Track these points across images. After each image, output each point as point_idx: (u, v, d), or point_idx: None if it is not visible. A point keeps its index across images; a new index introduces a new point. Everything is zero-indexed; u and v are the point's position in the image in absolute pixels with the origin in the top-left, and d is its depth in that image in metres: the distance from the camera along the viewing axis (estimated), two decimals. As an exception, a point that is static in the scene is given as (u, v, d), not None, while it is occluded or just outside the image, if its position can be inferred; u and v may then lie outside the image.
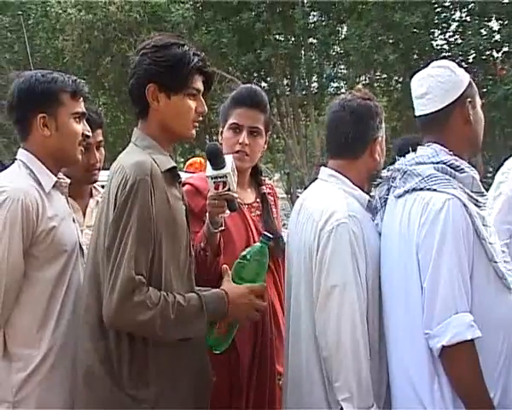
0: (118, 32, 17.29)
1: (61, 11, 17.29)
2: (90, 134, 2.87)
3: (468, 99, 2.58)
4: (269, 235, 2.71)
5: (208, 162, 2.72)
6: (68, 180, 2.80)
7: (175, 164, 2.50)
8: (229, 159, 2.72)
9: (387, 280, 2.57)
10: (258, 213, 3.14)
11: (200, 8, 17.61)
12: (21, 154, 2.69)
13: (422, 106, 2.60)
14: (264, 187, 3.22)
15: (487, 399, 2.34)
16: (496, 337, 2.40)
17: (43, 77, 2.68)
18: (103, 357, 2.34)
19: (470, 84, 2.61)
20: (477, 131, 2.63)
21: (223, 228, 2.79)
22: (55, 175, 2.70)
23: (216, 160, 2.68)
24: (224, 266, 2.63)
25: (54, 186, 2.66)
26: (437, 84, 2.57)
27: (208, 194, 2.72)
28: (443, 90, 2.57)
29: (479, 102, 2.63)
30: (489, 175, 20.62)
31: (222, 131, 3.14)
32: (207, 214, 2.76)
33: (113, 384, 2.32)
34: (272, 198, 3.26)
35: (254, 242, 2.80)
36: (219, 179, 2.68)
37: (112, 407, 2.32)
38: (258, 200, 3.17)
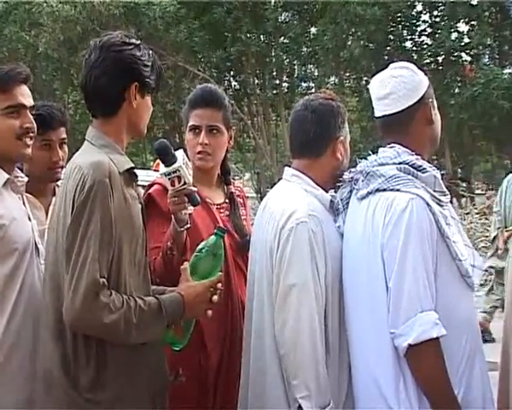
0: (96, 25, 17.14)
1: (44, 3, 17.05)
2: (32, 125, 2.74)
3: (430, 99, 2.60)
4: (223, 228, 2.70)
5: (160, 161, 2.71)
6: (26, 178, 2.72)
7: (133, 164, 2.48)
8: (179, 153, 2.72)
9: (350, 282, 2.58)
10: (227, 213, 3.13)
11: (178, 5, 17.51)
12: None
13: (385, 106, 2.60)
14: (231, 187, 3.22)
15: (453, 397, 2.35)
16: (459, 336, 2.41)
17: None
18: (61, 359, 2.31)
19: (429, 84, 2.64)
20: (437, 131, 2.67)
21: (188, 226, 2.79)
22: (10, 172, 2.61)
23: (166, 156, 2.68)
24: (184, 265, 2.61)
25: (5, 184, 2.54)
26: (400, 84, 2.58)
27: (168, 192, 2.71)
28: (406, 91, 2.58)
29: (435, 102, 2.66)
30: (458, 175, 20.87)
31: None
32: (172, 214, 2.75)
33: (69, 387, 2.29)
34: (241, 199, 3.26)
35: (223, 242, 2.80)
36: (173, 175, 2.67)
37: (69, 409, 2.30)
38: (226, 201, 3.17)
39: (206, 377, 2.88)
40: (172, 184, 2.64)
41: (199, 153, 2.95)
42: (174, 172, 2.65)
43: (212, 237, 2.60)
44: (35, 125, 2.66)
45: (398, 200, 2.39)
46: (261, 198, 19.99)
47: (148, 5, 16.59)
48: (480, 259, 2.59)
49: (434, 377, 2.35)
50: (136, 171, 2.45)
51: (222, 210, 3.06)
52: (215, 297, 2.49)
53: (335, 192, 2.72)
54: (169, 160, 2.65)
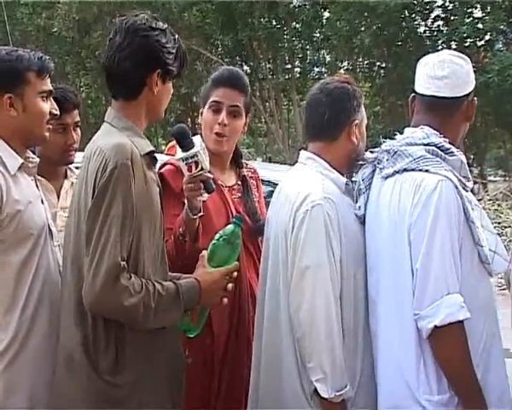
0: (111, 7, 17.05)
1: None
2: (58, 112, 2.78)
3: (474, 98, 2.61)
4: (241, 216, 2.70)
5: (177, 146, 2.70)
6: (37, 159, 2.74)
7: (153, 147, 2.48)
8: (197, 139, 2.71)
9: (375, 261, 2.57)
10: (239, 195, 3.12)
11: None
12: None
13: (438, 87, 2.57)
14: (244, 170, 3.21)
15: (475, 380, 2.36)
16: (478, 320, 2.41)
17: (8, 55, 2.57)
18: (82, 342, 2.33)
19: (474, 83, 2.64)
20: (466, 130, 2.67)
21: (202, 214, 2.78)
22: (23, 156, 2.61)
23: (184, 141, 2.67)
24: (203, 252, 2.61)
25: (20, 168, 2.57)
26: (458, 72, 2.58)
27: (184, 179, 2.70)
28: (462, 81, 2.58)
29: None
30: (470, 162, 20.78)
31: (202, 112, 3.12)
32: (186, 200, 2.74)
33: (90, 369, 2.31)
34: (254, 182, 3.25)
35: (241, 230, 2.79)
36: (190, 160, 2.66)
37: (89, 393, 2.31)
38: (238, 182, 3.16)
39: (212, 361, 2.90)
40: (189, 170, 2.62)
41: (216, 134, 2.94)
42: (192, 157, 2.64)
43: (230, 225, 2.61)
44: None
45: (426, 180, 2.39)
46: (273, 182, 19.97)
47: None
48: (501, 246, 2.58)
49: (458, 360, 2.35)
50: (156, 154, 2.46)
51: (234, 192, 3.05)
52: (230, 285, 2.50)
53: (353, 175, 2.72)
54: (187, 144, 2.64)
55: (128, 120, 2.44)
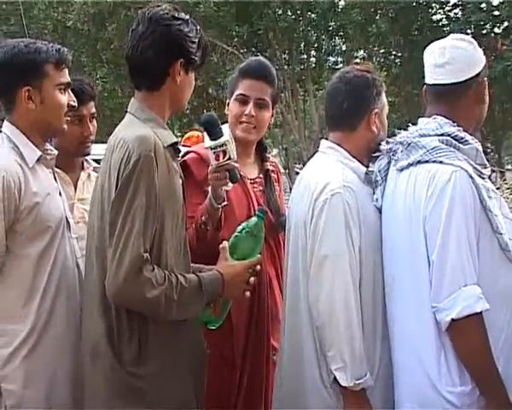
0: (127, -1, 17.07)
1: None
2: (76, 104, 2.78)
3: (485, 78, 2.57)
4: (264, 209, 2.70)
5: (206, 133, 2.70)
6: (55, 151, 2.74)
7: (176, 139, 2.48)
8: (225, 128, 2.70)
9: (390, 255, 2.56)
10: (261, 188, 3.12)
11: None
12: (6, 126, 2.60)
13: (440, 75, 2.56)
14: (267, 163, 3.20)
15: (496, 372, 2.33)
16: (499, 308, 2.39)
17: (26, 47, 2.57)
18: (107, 332, 2.34)
19: (486, 64, 2.60)
20: (484, 111, 2.64)
21: (226, 203, 2.78)
22: (41, 148, 2.62)
23: (213, 129, 2.66)
24: (223, 243, 2.61)
25: (38, 160, 2.57)
26: (460, 56, 2.54)
27: (209, 168, 2.70)
28: (465, 64, 2.54)
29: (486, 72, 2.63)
30: (488, 151, 20.65)
31: (228, 103, 3.11)
32: (210, 189, 2.74)
33: (114, 360, 2.32)
34: (275, 175, 3.25)
35: (264, 224, 2.78)
36: (219, 149, 2.65)
37: (113, 383, 2.32)
38: (261, 175, 3.16)
39: (232, 353, 2.90)
40: (217, 158, 2.62)
41: (242, 123, 2.94)
42: (221, 145, 2.63)
43: (254, 218, 2.61)
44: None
45: (440, 172, 2.37)
46: (289, 174, 19.98)
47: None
48: None
49: (477, 353, 2.33)
50: (182, 146, 2.45)
51: (256, 185, 3.05)
52: (252, 279, 2.50)
53: (370, 166, 2.71)
54: (216, 133, 2.64)
55: (151, 110, 2.44)
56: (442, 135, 2.47)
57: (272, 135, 23.99)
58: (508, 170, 20.68)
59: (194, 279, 2.36)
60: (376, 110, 2.70)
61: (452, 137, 2.46)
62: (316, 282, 2.51)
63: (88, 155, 3.20)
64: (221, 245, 2.59)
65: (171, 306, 2.28)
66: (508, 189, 13.81)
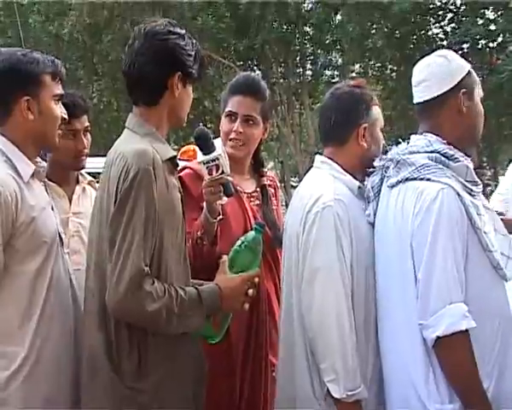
0: (122, 9, 17.09)
1: None
2: (66, 117, 2.77)
3: (463, 90, 2.57)
4: (262, 223, 2.71)
5: (198, 148, 2.70)
6: (44, 163, 2.72)
7: (175, 153, 2.48)
8: (218, 142, 2.71)
9: (382, 271, 2.58)
10: (258, 202, 3.13)
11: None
12: None
13: (419, 93, 2.61)
14: (264, 178, 3.21)
15: (482, 391, 2.34)
16: (491, 326, 2.40)
17: (24, 57, 2.53)
18: (106, 346, 2.33)
19: (469, 74, 2.60)
20: (472, 124, 2.62)
21: (221, 217, 2.78)
22: (33, 161, 2.57)
23: (206, 144, 2.67)
24: (223, 258, 2.62)
25: (33, 175, 2.52)
26: (433, 72, 2.58)
27: (203, 182, 2.70)
28: (438, 79, 2.57)
29: (479, 94, 2.62)
30: (483, 164, 20.70)
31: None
32: (205, 203, 2.74)
33: (114, 375, 2.31)
34: (273, 190, 3.26)
35: (252, 230, 2.80)
36: (212, 163, 2.66)
37: (113, 398, 2.31)
38: (258, 190, 3.16)
39: (233, 368, 2.90)
40: (210, 173, 2.63)
41: (231, 140, 2.95)
42: (213, 160, 2.64)
43: (252, 232, 2.62)
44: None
45: (428, 189, 2.38)
46: (285, 187, 19.99)
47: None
48: None
49: (463, 370, 2.33)
50: (178, 160, 2.47)
51: (252, 199, 3.06)
52: (251, 291, 2.50)
53: (364, 181, 2.73)
54: (208, 147, 2.64)
55: (150, 125, 2.44)
56: (432, 152, 2.48)
57: (268, 148, 24.02)
58: (503, 184, 20.67)
59: (193, 292, 2.37)
60: (365, 125, 2.72)
61: (442, 154, 2.47)
62: (307, 294, 2.53)
63: (83, 168, 3.19)
64: (221, 259, 2.59)
65: (171, 319, 2.28)
66: (503, 202, 13.84)
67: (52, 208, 2.61)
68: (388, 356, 2.53)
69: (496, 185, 18.40)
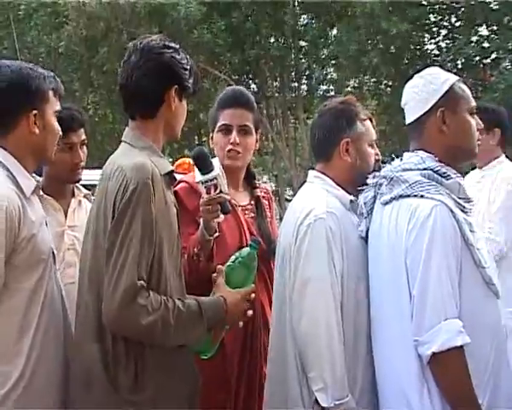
0: (119, 22, 17.10)
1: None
2: (61, 133, 2.79)
3: (440, 109, 2.59)
4: (258, 239, 2.74)
5: (196, 168, 2.72)
6: (38, 178, 2.73)
7: (172, 168, 2.50)
8: (216, 161, 2.74)
9: (377, 287, 2.59)
10: (252, 215, 3.15)
11: (203, 6, 17.41)
12: None
13: (406, 115, 2.68)
14: (258, 190, 3.23)
15: (476, 404, 2.35)
16: (485, 342, 2.42)
17: (34, 72, 2.57)
18: (102, 358, 2.33)
19: (449, 92, 2.60)
20: (458, 140, 2.62)
21: (217, 234, 2.80)
22: (31, 175, 2.59)
23: (204, 164, 2.70)
24: (219, 266, 2.64)
25: (34, 190, 2.55)
26: (412, 95, 2.65)
27: (201, 200, 2.72)
28: (416, 102, 2.63)
29: (466, 108, 2.62)
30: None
31: (212, 136, 3.15)
32: (201, 221, 2.76)
33: (110, 386, 2.31)
34: (267, 202, 3.27)
35: (247, 244, 2.82)
36: (210, 183, 2.69)
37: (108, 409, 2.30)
38: (252, 202, 3.18)
39: (228, 380, 2.91)
40: (208, 192, 2.65)
41: (229, 151, 2.98)
42: (211, 179, 2.67)
43: (246, 248, 2.64)
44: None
45: (421, 206, 2.40)
46: (279, 201, 19.98)
47: (173, 5, 16.52)
48: None
49: (458, 386, 2.34)
50: (175, 174, 2.49)
51: (247, 212, 3.09)
52: (250, 312, 2.53)
53: (357, 197, 2.76)
54: (207, 167, 2.67)
55: (147, 138, 2.46)
56: (425, 169, 2.51)
57: (263, 162, 24.01)
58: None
59: (193, 304, 2.38)
60: (347, 139, 2.77)
61: (435, 172, 2.49)
62: (298, 304, 2.57)
63: (79, 181, 3.20)
64: (217, 269, 2.62)
65: (168, 331, 2.29)
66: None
67: (46, 224, 2.61)
68: (382, 370, 2.54)
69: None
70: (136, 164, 2.33)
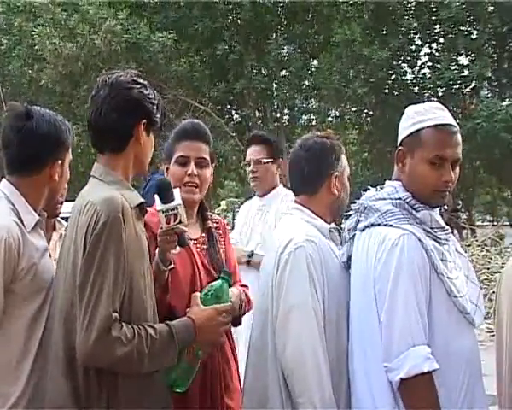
0: (98, 60, 17.19)
1: (46, 41, 17.03)
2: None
3: (403, 148, 2.62)
4: (229, 271, 2.78)
5: (157, 197, 2.72)
6: (45, 213, 2.79)
7: (143, 200, 2.51)
8: (177, 192, 2.75)
9: (353, 313, 2.63)
10: (205, 247, 3.14)
11: (179, 39, 17.56)
12: (5, 187, 2.63)
13: None
14: (209, 222, 3.22)
15: None
16: (458, 370, 2.44)
17: (62, 123, 2.73)
18: (72, 394, 2.32)
19: (411, 135, 2.60)
20: (410, 183, 2.60)
21: (172, 266, 2.79)
22: (37, 210, 2.68)
23: (166, 193, 2.71)
24: (194, 293, 2.68)
25: (36, 224, 2.63)
26: (401, 123, 2.68)
27: (159, 230, 2.73)
28: (399, 131, 2.67)
29: (422, 156, 2.57)
30: (458, 207, 20.87)
31: (167, 168, 3.15)
32: (157, 251, 2.75)
33: None
34: (220, 231, 3.27)
35: (200, 277, 2.86)
36: (170, 212, 2.68)
37: None
38: (203, 234, 3.17)
39: (190, 401, 2.88)
40: (168, 222, 2.65)
41: (186, 184, 2.98)
42: (172, 209, 2.67)
43: (218, 280, 2.66)
44: None
45: (389, 235, 2.44)
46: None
47: (147, 41, 16.66)
48: (482, 300, 2.60)
49: None
50: (146, 206, 2.50)
51: (198, 245, 3.08)
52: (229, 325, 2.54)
53: (341, 223, 2.80)
54: (168, 197, 2.67)
55: (116, 173, 2.47)
56: (397, 199, 2.53)
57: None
58: (478, 226, 20.87)
59: (164, 329, 2.39)
60: (336, 174, 2.82)
61: (406, 202, 2.52)
62: (283, 331, 2.59)
63: (58, 215, 3.22)
64: (192, 296, 2.64)
65: (142, 359, 2.29)
66: (478, 246, 13.94)
67: (50, 255, 2.69)
68: (359, 397, 2.55)
69: (471, 228, 18.59)
70: (107, 198, 2.34)
